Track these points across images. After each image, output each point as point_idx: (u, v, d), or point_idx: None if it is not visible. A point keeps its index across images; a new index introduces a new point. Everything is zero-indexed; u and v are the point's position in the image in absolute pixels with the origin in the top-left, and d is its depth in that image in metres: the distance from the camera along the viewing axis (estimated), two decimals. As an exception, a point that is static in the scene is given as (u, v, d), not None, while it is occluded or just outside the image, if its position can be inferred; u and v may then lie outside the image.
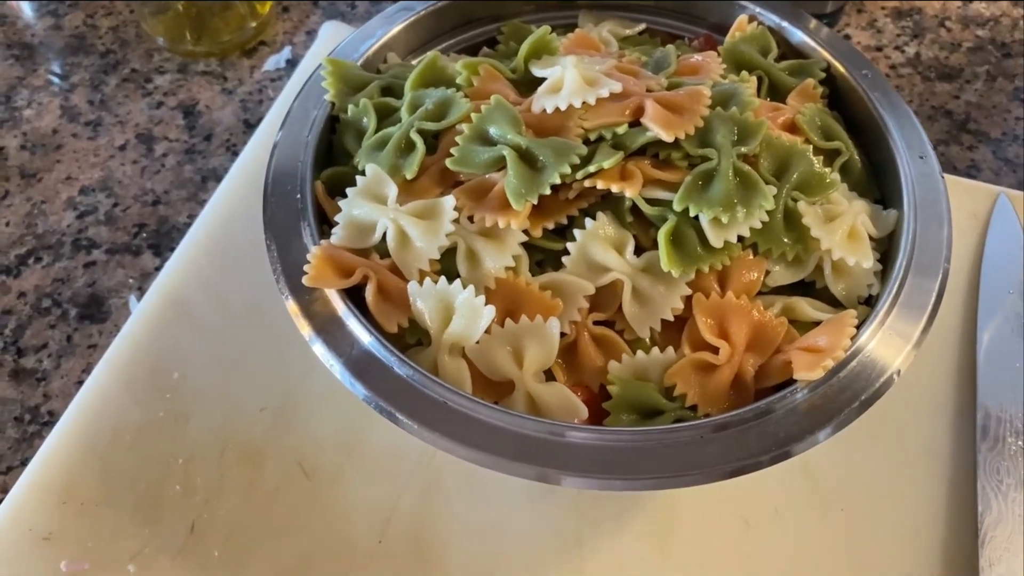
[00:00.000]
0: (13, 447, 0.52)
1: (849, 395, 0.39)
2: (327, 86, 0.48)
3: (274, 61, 0.71)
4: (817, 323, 0.43)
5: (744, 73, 0.49)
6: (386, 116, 0.47)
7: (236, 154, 0.65)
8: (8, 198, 0.63)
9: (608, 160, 0.41)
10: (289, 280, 0.42)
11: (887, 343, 0.41)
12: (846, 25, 0.75)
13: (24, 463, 0.51)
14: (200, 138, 0.66)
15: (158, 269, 0.59)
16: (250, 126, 0.67)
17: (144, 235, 0.61)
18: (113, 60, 0.71)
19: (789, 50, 0.53)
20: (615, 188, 0.41)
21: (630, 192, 0.41)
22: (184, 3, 0.71)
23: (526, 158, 0.42)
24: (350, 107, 0.48)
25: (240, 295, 0.54)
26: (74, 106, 0.68)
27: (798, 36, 0.53)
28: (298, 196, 0.45)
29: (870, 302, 0.44)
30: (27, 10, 0.75)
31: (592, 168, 0.41)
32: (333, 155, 0.49)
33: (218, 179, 0.63)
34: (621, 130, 0.43)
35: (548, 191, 0.41)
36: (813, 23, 0.53)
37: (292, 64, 0.71)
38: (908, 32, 0.74)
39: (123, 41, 0.73)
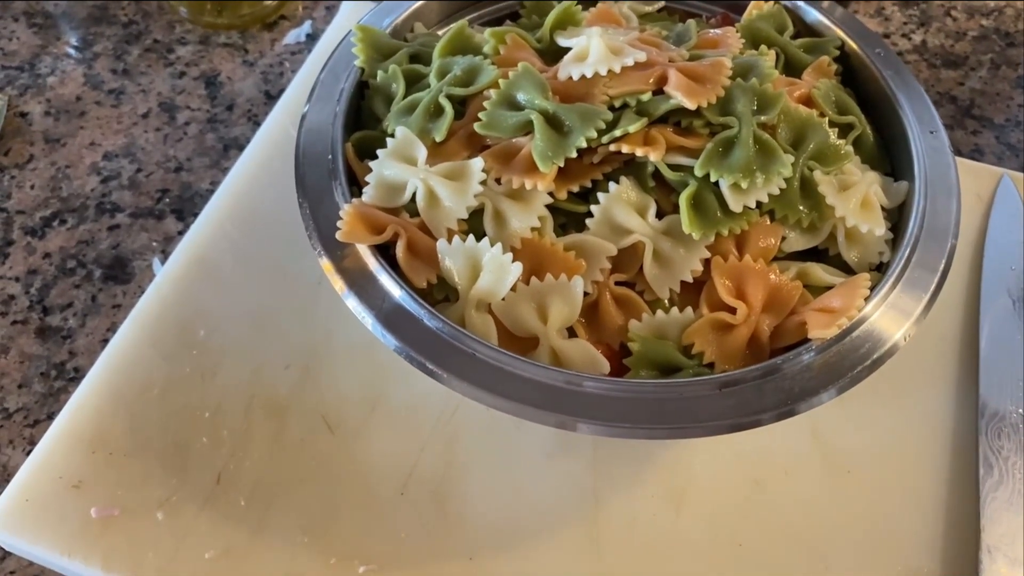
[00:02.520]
0: (40, 401, 0.53)
1: (859, 356, 0.40)
2: (357, 51, 0.50)
3: (294, 35, 0.72)
4: (830, 288, 0.44)
5: (763, 47, 0.50)
6: (414, 82, 0.48)
7: (258, 124, 0.66)
8: (33, 162, 0.64)
9: (633, 125, 0.43)
10: (322, 237, 0.43)
11: (896, 308, 0.42)
12: (854, 12, 0.76)
13: (50, 417, 0.52)
14: (222, 108, 0.67)
15: (181, 233, 0.60)
16: (271, 97, 0.68)
17: (167, 200, 0.62)
18: (135, 31, 0.72)
19: (804, 28, 0.55)
20: (639, 152, 0.42)
21: (654, 156, 0.43)
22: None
23: (553, 122, 0.44)
24: (379, 73, 0.49)
25: (265, 256, 0.55)
26: (97, 74, 0.69)
27: (813, 15, 0.54)
28: (329, 157, 0.46)
29: (881, 269, 0.46)
30: (49, -20, 0.76)
31: (617, 133, 0.42)
32: (362, 120, 0.50)
33: (240, 148, 0.64)
34: (645, 98, 0.44)
35: (574, 154, 0.42)
36: (827, 3, 0.55)
37: (312, 38, 0.72)
38: (915, 20, 0.76)
39: (145, 12, 0.74)
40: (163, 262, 0.58)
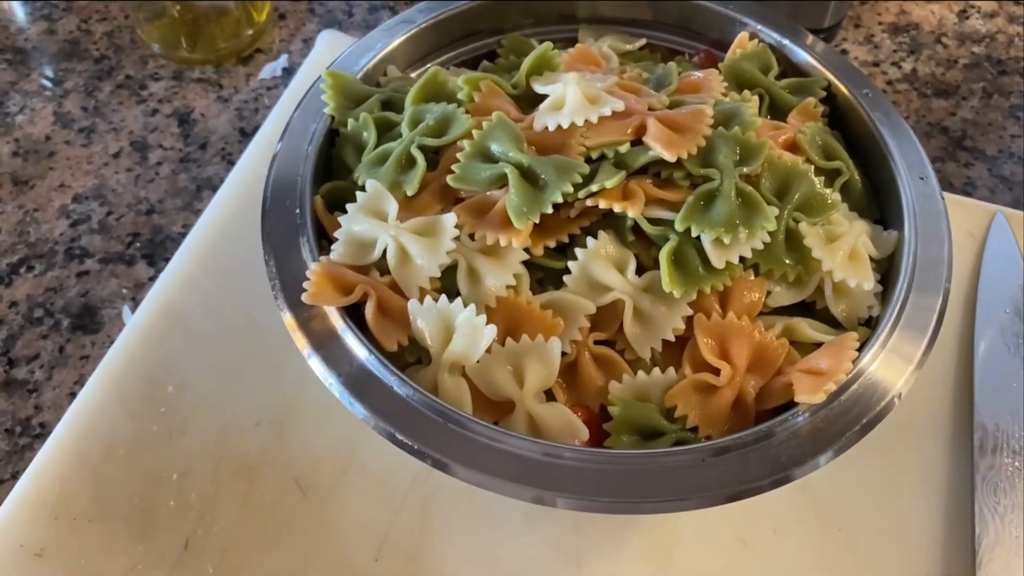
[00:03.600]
0: (4, 459, 0.51)
1: (850, 419, 0.39)
2: (327, 99, 0.48)
3: (270, 69, 0.70)
4: (818, 345, 0.43)
5: (746, 92, 0.48)
6: (386, 130, 0.47)
7: (232, 163, 0.64)
8: (0, 205, 0.62)
9: (610, 179, 0.41)
10: (287, 295, 0.41)
11: (888, 365, 0.41)
12: (843, 40, 0.75)
13: (15, 476, 0.50)
14: (195, 146, 0.66)
15: (152, 279, 0.58)
16: (246, 135, 0.66)
17: (138, 244, 0.60)
18: (107, 66, 0.71)
19: (789, 67, 0.53)
20: (617, 207, 0.41)
21: (632, 212, 0.41)
22: (180, 9, 0.70)
23: (528, 176, 0.42)
24: (350, 121, 0.47)
25: (236, 307, 0.53)
26: (67, 112, 0.67)
27: (799, 54, 0.53)
28: (297, 211, 0.44)
29: (870, 323, 0.44)
30: (20, 13, 0.74)
31: (594, 187, 0.41)
32: (332, 169, 0.48)
33: (213, 188, 0.63)
34: (623, 149, 0.43)
35: (550, 210, 0.41)
36: (811, 39, 0.53)
37: (289, 72, 0.70)
38: (905, 48, 0.75)
39: (117, 47, 0.72)
40: (133, 310, 0.57)
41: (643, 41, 0.56)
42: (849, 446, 0.39)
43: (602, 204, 0.41)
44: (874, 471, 0.48)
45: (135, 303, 0.57)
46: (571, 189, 0.41)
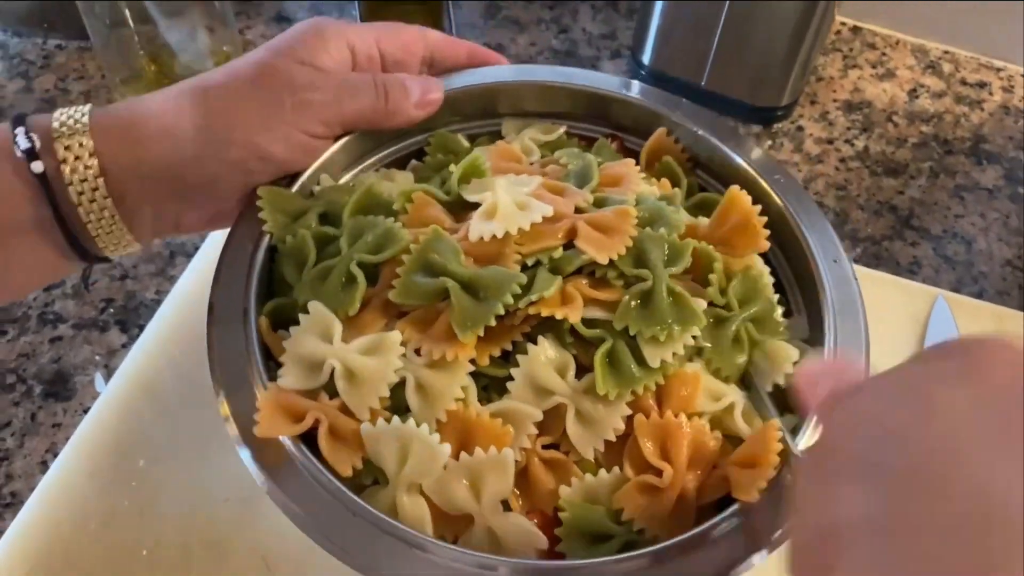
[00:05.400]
0: (-26, 529, 0.52)
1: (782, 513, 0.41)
2: (264, 216, 0.48)
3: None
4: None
5: (665, 182, 0.52)
6: (326, 244, 0.47)
7: (206, 230, 0.65)
8: (-26, 268, 0.63)
9: (549, 288, 0.43)
10: (242, 429, 0.41)
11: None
12: (800, 116, 0.78)
13: (-15, 546, 0.51)
14: (170, 211, 0.67)
15: (125, 347, 0.60)
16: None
17: (111, 310, 0.62)
18: (84, 126, 0.72)
19: (704, 156, 0.56)
20: (558, 315, 0.42)
21: (572, 318, 0.43)
22: (155, 70, 0.71)
23: (469, 289, 0.43)
24: (288, 238, 0.47)
25: (206, 380, 0.54)
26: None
27: (717, 148, 0.55)
28: (243, 337, 0.44)
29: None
30: (-4, 70, 0.75)
31: (534, 297, 0.42)
32: (274, 283, 0.48)
33: (187, 255, 0.64)
34: (557, 254, 0.44)
35: (493, 322, 0.42)
36: (730, 129, 0.56)
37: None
38: (858, 126, 0.78)
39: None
40: (106, 377, 0.58)
41: (563, 130, 0.58)
42: (783, 541, 0.40)
43: (544, 312, 0.42)
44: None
45: (108, 370, 0.59)
46: (512, 300, 0.42)
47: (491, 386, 0.44)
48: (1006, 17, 0.81)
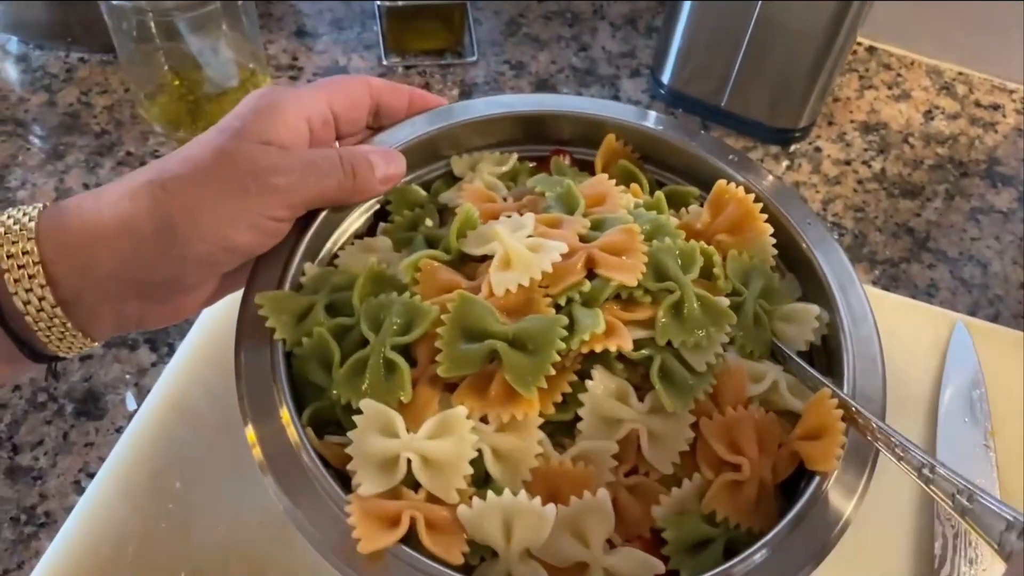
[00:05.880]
0: (10, 549, 0.52)
1: (808, 549, 0.42)
2: (271, 325, 0.46)
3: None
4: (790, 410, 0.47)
5: (636, 188, 0.54)
6: (342, 336, 0.46)
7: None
8: (3, 285, 0.63)
9: (597, 325, 0.43)
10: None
11: (837, 492, 0.43)
12: (817, 137, 0.79)
13: (20, 566, 0.51)
14: (197, 228, 0.67)
15: (155, 365, 0.60)
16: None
17: (141, 329, 0.62)
18: (108, 141, 0.72)
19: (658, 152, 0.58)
20: (612, 348, 0.43)
21: (625, 346, 0.44)
22: (179, 86, 0.72)
23: (515, 344, 0.43)
24: (304, 340, 0.45)
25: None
26: (69, 188, 0.69)
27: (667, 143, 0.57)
28: (305, 463, 0.42)
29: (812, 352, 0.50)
30: (19, 85, 0.75)
31: (586, 336, 0.43)
32: (296, 389, 0.46)
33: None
34: (585, 288, 0.45)
35: (552, 371, 0.42)
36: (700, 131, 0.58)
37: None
38: (875, 147, 0.79)
39: (118, 122, 0.73)
40: (136, 396, 0.58)
41: (515, 157, 0.58)
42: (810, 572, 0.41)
43: (597, 348, 0.43)
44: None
45: (138, 389, 0.59)
46: (563, 345, 0.42)
47: (558, 430, 0.45)
48: (1019, 39, 0.82)
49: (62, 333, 0.42)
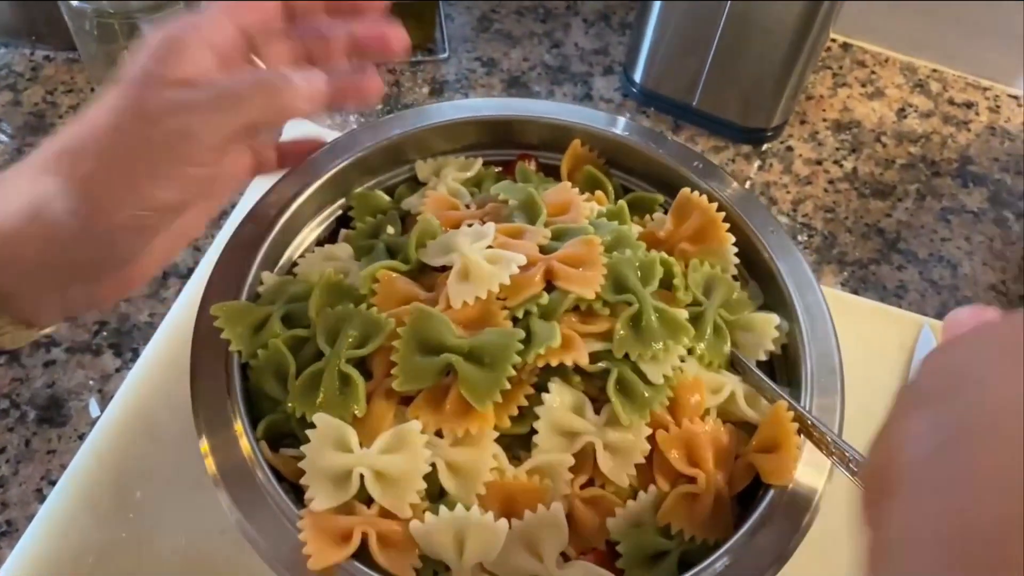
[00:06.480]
0: (-29, 558, 0.52)
1: (768, 554, 0.42)
2: (226, 336, 0.45)
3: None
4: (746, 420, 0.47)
5: (601, 195, 0.54)
6: (299, 348, 0.46)
7: (199, 250, 0.65)
8: (-35, 289, 0.62)
9: (553, 339, 0.43)
10: (284, 561, 0.40)
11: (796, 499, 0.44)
12: (789, 136, 0.79)
13: (-19, 575, 0.51)
14: (163, 231, 0.67)
15: (119, 371, 0.60)
16: (212, 219, 0.67)
17: (104, 334, 0.61)
18: (74, 141, 0.71)
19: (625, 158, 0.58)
20: (568, 361, 0.43)
21: (581, 361, 0.44)
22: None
23: (471, 358, 0.43)
24: (260, 351, 0.45)
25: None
26: (33, 190, 0.68)
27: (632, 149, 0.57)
28: (253, 469, 0.42)
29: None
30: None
31: (542, 350, 0.43)
32: (250, 399, 0.46)
33: (180, 276, 0.64)
34: (543, 300, 0.45)
35: (508, 385, 0.42)
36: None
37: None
38: (847, 146, 0.79)
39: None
40: (99, 403, 0.58)
41: (480, 162, 0.58)
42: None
43: (553, 362, 0.43)
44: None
45: (102, 395, 0.59)
46: (519, 359, 0.42)
47: (514, 443, 0.44)
48: (994, 36, 0.82)
49: (3, 331, 0.40)
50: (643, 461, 0.45)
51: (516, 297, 0.45)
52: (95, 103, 0.40)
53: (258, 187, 0.53)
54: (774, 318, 0.50)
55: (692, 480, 0.44)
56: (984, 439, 0.25)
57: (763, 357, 0.49)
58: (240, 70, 0.42)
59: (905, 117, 0.82)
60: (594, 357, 0.45)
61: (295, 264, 0.52)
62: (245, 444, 0.43)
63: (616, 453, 0.45)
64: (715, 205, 0.51)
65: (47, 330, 0.43)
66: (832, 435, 0.44)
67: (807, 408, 0.46)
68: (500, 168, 0.59)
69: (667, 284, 0.49)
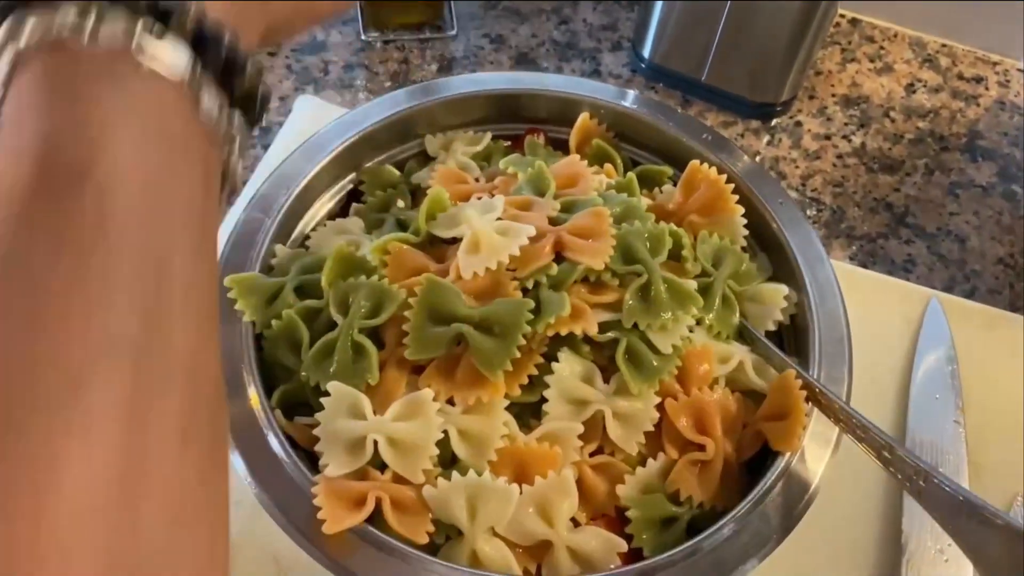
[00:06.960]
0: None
1: (774, 523, 0.43)
2: (240, 307, 0.46)
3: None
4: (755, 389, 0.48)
5: (609, 168, 0.54)
6: (312, 319, 0.46)
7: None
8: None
9: (563, 308, 0.44)
10: (299, 527, 0.41)
11: (803, 468, 0.44)
12: (798, 111, 0.79)
13: None
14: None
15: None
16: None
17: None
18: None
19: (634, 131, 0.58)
20: (577, 331, 0.44)
21: (590, 330, 0.44)
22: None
23: (482, 328, 0.43)
24: (274, 322, 0.46)
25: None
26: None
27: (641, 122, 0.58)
28: (273, 443, 0.43)
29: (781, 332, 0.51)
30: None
31: (552, 320, 0.43)
32: (264, 369, 0.46)
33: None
34: (553, 271, 0.45)
35: (518, 354, 0.42)
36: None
37: (265, 131, 0.72)
38: (855, 121, 0.79)
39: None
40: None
41: (489, 137, 0.58)
42: (773, 549, 0.42)
43: (562, 331, 0.43)
44: (804, 557, 0.53)
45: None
46: (529, 328, 0.43)
47: (524, 411, 0.45)
48: (1004, 11, 0.81)
49: None
50: (652, 429, 0.45)
51: (526, 268, 0.45)
52: None
53: (269, 164, 0.54)
54: (783, 288, 0.50)
55: (701, 448, 0.45)
56: None
57: (771, 327, 0.50)
58: None
59: (914, 92, 0.82)
60: (603, 327, 0.46)
61: (307, 237, 0.53)
62: (260, 413, 0.44)
63: (625, 421, 0.45)
64: (724, 177, 0.51)
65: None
66: (840, 402, 0.44)
67: (816, 378, 0.46)
68: (509, 142, 0.59)
69: (676, 256, 0.49)
